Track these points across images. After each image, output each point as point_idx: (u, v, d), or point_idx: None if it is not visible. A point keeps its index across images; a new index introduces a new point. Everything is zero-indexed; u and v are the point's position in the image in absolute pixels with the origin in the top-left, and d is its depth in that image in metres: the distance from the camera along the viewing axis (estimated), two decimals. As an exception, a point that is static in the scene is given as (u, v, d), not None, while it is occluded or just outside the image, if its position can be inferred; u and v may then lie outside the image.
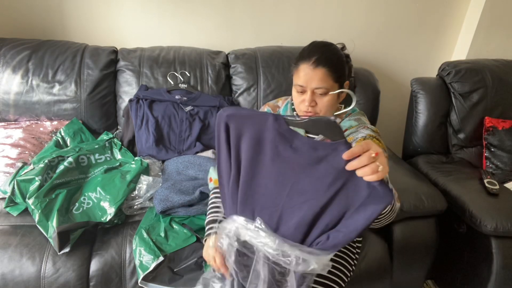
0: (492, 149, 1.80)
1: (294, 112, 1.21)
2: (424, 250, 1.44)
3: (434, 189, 1.51)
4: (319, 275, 1.10)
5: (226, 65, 1.84)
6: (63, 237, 1.19)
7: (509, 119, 1.84)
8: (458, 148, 1.91)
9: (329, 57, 1.06)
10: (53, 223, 1.20)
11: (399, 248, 1.40)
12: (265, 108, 1.30)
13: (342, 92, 1.11)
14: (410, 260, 1.44)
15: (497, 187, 1.55)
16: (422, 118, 1.87)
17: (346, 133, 1.10)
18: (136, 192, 1.38)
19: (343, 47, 1.18)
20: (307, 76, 1.06)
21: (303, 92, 1.09)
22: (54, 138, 1.58)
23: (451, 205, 1.52)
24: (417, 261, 1.46)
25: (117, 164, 1.51)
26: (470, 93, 1.84)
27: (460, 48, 2.21)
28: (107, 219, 1.27)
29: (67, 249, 1.20)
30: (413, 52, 2.24)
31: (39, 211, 1.23)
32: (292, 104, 1.23)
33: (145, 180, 1.40)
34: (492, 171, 1.76)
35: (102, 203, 1.32)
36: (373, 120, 1.89)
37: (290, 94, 1.29)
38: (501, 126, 1.81)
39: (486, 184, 1.56)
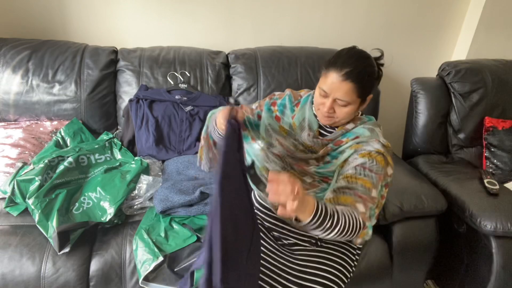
0: (492, 149, 1.80)
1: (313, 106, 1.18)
2: (424, 250, 1.44)
3: (434, 189, 1.51)
4: (319, 275, 1.10)
5: (226, 65, 1.84)
6: (63, 237, 1.19)
7: (509, 119, 1.84)
8: (458, 148, 1.91)
9: (361, 72, 1.02)
10: (53, 223, 1.20)
11: (399, 248, 1.40)
12: (287, 91, 1.26)
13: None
14: (410, 260, 1.44)
15: (497, 187, 1.55)
16: (422, 118, 1.87)
17: (356, 140, 1.10)
18: (136, 191, 1.38)
19: (381, 56, 1.12)
20: (333, 85, 1.03)
21: (325, 96, 1.07)
22: (54, 138, 1.58)
23: (451, 205, 1.52)
24: (417, 261, 1.46)
25: (117, 164, 1.51)
26: (470, 93, 1.84)
27: (460, 48, 2.21)
28: (107, 219, 1.27)
29: (67, 249, 1.20)
30: (413, 52, 2.24)
31: (39, 211, 1.23)
32: (313, 98, 1.20)
33: (145, 180, 1.40)
34: (492, 171, 1.76)
35: (102, 203, 1.32)
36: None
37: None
38: (501, 126, 1.81)
39: (486, 184, 1.56)
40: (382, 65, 1.12)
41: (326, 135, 1.18)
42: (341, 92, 1.03)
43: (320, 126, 1.18)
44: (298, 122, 1.19)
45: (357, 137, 1.11)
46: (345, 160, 1.10)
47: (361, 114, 1.20)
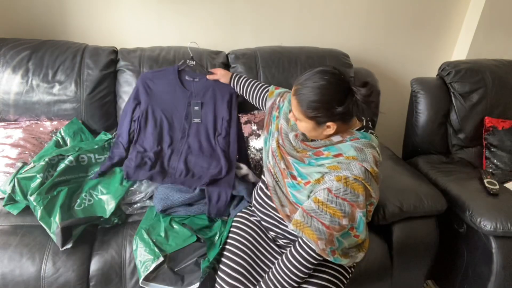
0: (492, 149, 1.80)
1: None
2: (424, 250, 1.44)
3: (434, 189, 1.51)
4: (318, 277, 1.10)
5: (226, 65, 1.84)
6: (66, 233, 1.19)
7: (509, 119, 1.84)
8: (458, 148, 1.91)
9: (305, 94, 1.02)
10: (56, 219, 1.21)
11: (399, 248, 1.40)
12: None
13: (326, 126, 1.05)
14: (410, 260, 1.44)
15: (497, 187, 1.55)
16: (422, 118, 1.87)
17: (337, 160, 1.03)
18: (136, 186, 1.39)
19: (365, 85, 1.01)
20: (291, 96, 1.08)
21: None
22: (54, 138, 1.58)
23: (451, 205, 1.52)
24: (417, 261, 1.46)
25: (117, 164, 1.51)
26: (470, 93, 1.84)
27: (460, 48, 2.21)
28: (108, 214, 1.29)
29: (69, 245, 1.20)
30: (413, 52, 2.24)
31: (41, 207, 1.24)
32: None
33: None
34: (492, 171, 1.76)
35: (103, 199, 1.33)
36: (373, 121, 1.88)
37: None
38: (501, 126, 1.81)
39: (486, 184, 1.56)
40: (367, 97, 1.00)
41: (314, 141, 1.15)
42: (292, 105, 1.07)
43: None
44: (293, 122, 1.20)
45: (339, 154, 1.04)
46: (322, 176, 1.04)
47: (363, 129, 1.10)
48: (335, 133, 1.07)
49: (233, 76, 1.58)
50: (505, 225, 1.38)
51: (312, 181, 1.05)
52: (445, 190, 1.58)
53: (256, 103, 1.51)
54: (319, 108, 1.01)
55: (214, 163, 1.48)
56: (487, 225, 1.39)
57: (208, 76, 1.62)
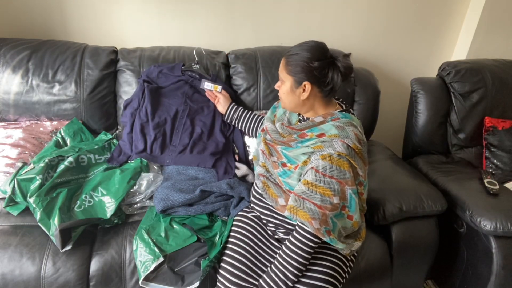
0: (492, 149, 1.80)
1: None
2: (424, 250, 1.44)
3: (434, 189, 1.51)
4: (317, 271, 1.11)
5: (226, 65, 1.84)
6: (65, 235, 1.19)
7: (509, 119, 1.84)
8: (458, 148, 1.91)
9: (291, 51, 1.12)
10: (55, 221, 1.21)
11: (399, 248, 1.40)
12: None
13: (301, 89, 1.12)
14: (410, 260, 1.44)
15: (497, 187, 1.55)
16: (422, 118, 1.87)
17: (320, 139, 1.08)
18: (136, 187, 1.39)
19: (346, 56, 1.11)
20: None
21: None
22: (54, 138, 1.58)
23: (451, 205, 1.52)
24: (417, 261, 1.46)
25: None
26: (470, 93, 1.84)
27: (460, 48, 2.21)
28: (108, 216, 1.28)
29: (69, 247, 1.20)
30: (413, 52, 2.24)
31: (41, 209, 1.23)
32: None
33: (145, 177, 1.41)
34: (492, 171, 1.76)
35: (103, 200, 1.33)
36: (373, 120, 1.89)
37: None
38: (501, 126, 1.81)
39: (486, 184, 1.56)
40: (345, 63, 1.10)
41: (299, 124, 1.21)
42: (280, 65, 1.16)
43: (299, 120, 1.23)
44: (279, 114, 1.30)
45: (322, 134, 1.09)
46: (308, 158, 1.08)
47: (344, 111, 1.15)
48: (315, 111, 1.16)
49: (231, 105, 1.60)
50: (505, 225, 1.38)
51: (300, 163, 1.09)
52: (445, 190, 1.58)
53: (251, 134, 1.59)
54: (298, 60, 1.09)
55: (213, 142, 1.57)
56: (487, 225, 1.39)
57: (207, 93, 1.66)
